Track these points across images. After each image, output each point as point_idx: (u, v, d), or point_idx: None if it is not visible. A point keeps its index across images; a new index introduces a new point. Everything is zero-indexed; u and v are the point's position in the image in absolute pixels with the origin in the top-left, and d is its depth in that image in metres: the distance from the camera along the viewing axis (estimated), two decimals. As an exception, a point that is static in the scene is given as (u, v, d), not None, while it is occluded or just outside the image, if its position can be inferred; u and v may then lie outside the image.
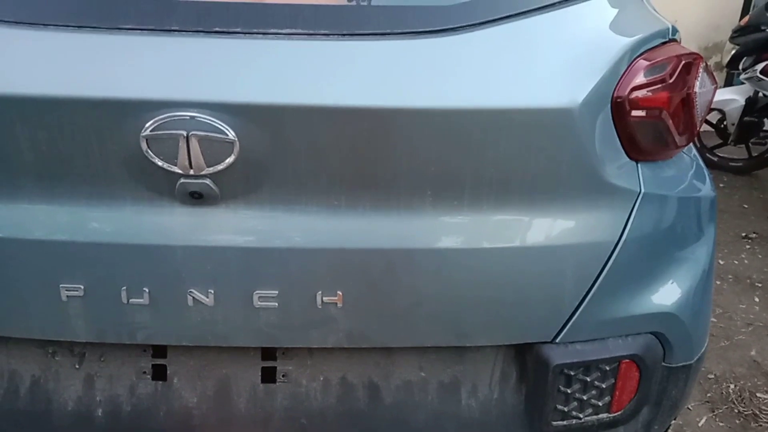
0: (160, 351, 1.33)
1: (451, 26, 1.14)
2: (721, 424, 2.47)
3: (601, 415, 1.37)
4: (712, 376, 2.71)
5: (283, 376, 1.34)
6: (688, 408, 2.53)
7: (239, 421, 1.33)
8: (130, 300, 1.21)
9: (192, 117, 1.08)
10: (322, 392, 1.34)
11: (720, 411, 2.53)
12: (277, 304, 1.22)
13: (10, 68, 1.12)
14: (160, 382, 1.34)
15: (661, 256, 1.35)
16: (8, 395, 1.35)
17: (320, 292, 1.22)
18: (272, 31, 1.12)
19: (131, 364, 1.34)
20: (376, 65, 1.13)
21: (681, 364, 1.40)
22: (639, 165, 1.28)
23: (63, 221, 1.19)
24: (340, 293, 1.22)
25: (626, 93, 1.20)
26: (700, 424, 2.47)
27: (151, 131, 1.08)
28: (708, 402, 2.57)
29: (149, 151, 1.10)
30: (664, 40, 1.30)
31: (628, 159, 1.26)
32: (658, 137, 1.26)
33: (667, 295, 1.35)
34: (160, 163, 1.11)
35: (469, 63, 1.14)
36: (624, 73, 1.21)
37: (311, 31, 1.13)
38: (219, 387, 1.34)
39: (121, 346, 1.33)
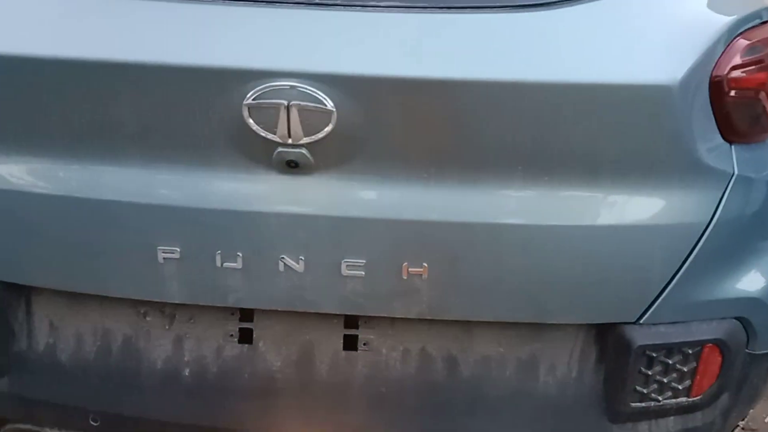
0: (247, 315, 1.38)
1: (551, 0, 1.14)
2: (788, 420, 2.42)
3: (680, 399, 1.36)
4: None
5: (364, 344, 1.37)
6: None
7: (320, 386, 1.37)
8: (224, 264, 1.25)
9: (293, 87, 1.11)
10: (401, 362, 1.37)
11: (787, 407, 2.47)
12: (363, 273, 1.25)
13: (118, 36, 1.16)
14: (246, 345, 1.38)
15: (750, 240, 1.33)
16: (101, 352, 1.42)
17: (406, 263, 1.24)
18: (372, 3, 1.14)
19: (219, 327, 1.39)
20: (474, 38, 1.13)
21: (765, 352, 1.38)
22: (733, 147, 1.26)
23: (163, 185, 1.24)
24: (426, 265, 1.24)
25: (725, 72, 1.18)
26: (766, 420, 2.42)
27: (253, 100, 1.11)
28: (775, 398, 2.51)
29: (250, 119, 1.13)
30: (762, 21, 1.27)
31: (722, 140, 1.24)
32: (754, 119, 1.24)
33: (753, 280, 1.33)
34: (260, 132, 1.14)
35: (567, 37, 1.14)
36: (723, 52, 1.18)
37: (410, 4, 1.14)
38: (302, 352, 1.37)
39: (210, 309, 1.37)
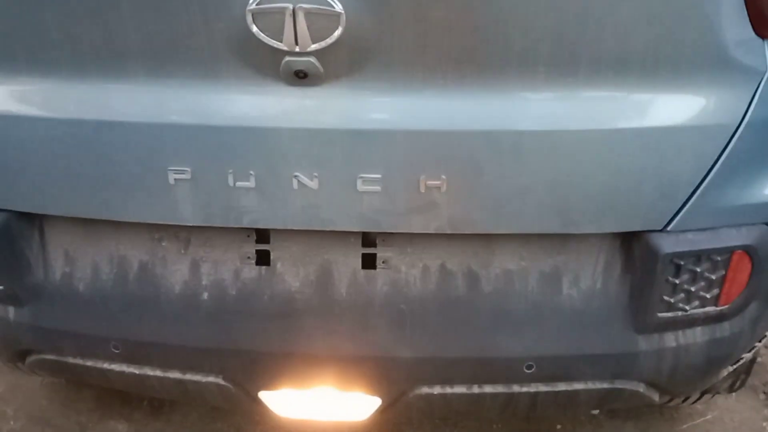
0: (263, 237, 1.35)
1: None
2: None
3: (708, 308, 1.33)
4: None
5: (383, 262, 1.34)
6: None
7: (340, 305, 1.35)
8: (237, 183, 1.22)
9: None
10: (421, 279, 1.35)
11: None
12: (380, 188, 1.21)
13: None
14: (264, 267, 1.36)
15: (783, 143, 1.27)
16: (118, 280, 1.41)
17: (423, 176, 1.20)
18: None
19: (236, 250, 1.37)
20: None
21: (795, 259, 1.34)
22: (766, 42, 1.18)
23: (169, 103, 1.20)
24: (444, 177, 1.20)
25: None
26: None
27: (257, 5, 1.06)
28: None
29: (254, 26, 1.08)
30: None
31: (754, 34, 1.16)
32: (790, 10, 1.16)
33: (785, 184, 1.28)
34: (265, 40, 1.09)
35: None
36: None
37: None
38: (320, 272, 1.35)
39: (226, 232, 1.35)
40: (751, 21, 1.15)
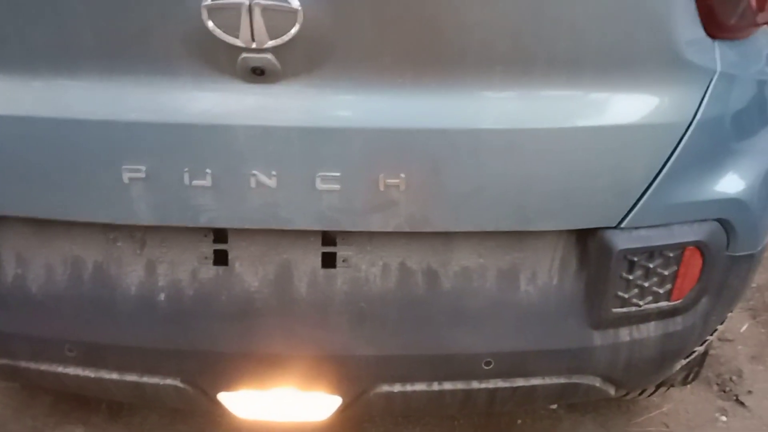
0: (221, 236, 1.34)
1: None
2: (762, 330, 2.47)
3: (661, 303, 1.36)
4: (755, 285, 2.68)
5: (343, 261, 1.34)
6: (729, 314, 2.53)
7: (300, 305, 1.34)
8: (193, 182, 1.21)
9: None
10: (381, 277, 1.35)
11: (762, 318, 2.52)
12: (339, 186, 1.21)
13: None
14: (222, 267, 1.35)
15: (733, 141, 1.31)
16: (72, 281, 1.37)
17: (382, 174, 1.20)
18: None
19: (193, 250, 1.35)
20: None
21: (744, 254, 1.37)
22: (716, 43, 1.22)
23: (124, 100, 1.18)
24: (403, 176, 1.20)
25: None
26: (741, 330, 2.47)
27: (212, 0, 1.04)
28: (750, 309, 2.56)
29: (210, 21, 1.06)
30: None
31: (705, 35, 1.20)
32: (738, 11, 1.20)
33: (735, 181, 1.31)
34: (221, 36, 1.07)
35: None
36: None
37: None
38: (280, 272, 1.34)
39: (182, 232, 1.33)
40: (702, 21, 1.18)
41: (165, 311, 1.35)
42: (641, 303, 1.34)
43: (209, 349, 1.35)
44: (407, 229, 1.28)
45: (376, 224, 1.27)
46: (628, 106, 1.20)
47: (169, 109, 1.17)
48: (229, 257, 1.35)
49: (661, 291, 1.34)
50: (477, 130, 1.18)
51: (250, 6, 1.04)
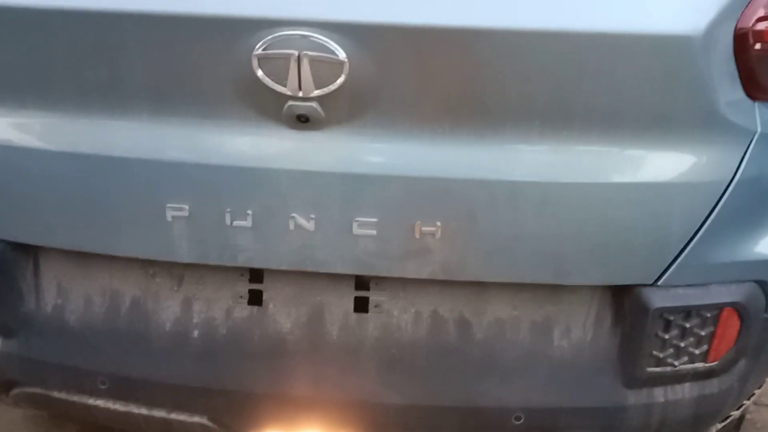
0: (257, 276, 1.36)
1: None
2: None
3: (696, 364, 1.33)
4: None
5: (375, 306, 1.35)
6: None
7: (331, 348, 1.35)
8: (234, 222, 1.23)
9: (304, 36, 1.08)
10: (413, 324, 1.35)
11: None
12: (375, 231, 1.22)
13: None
14: (256, 307, 1.36)
15: (772, 202, 1.29)
16: (109, 314, 1.40)
17: (419, 222, 1.21)
18: None
19: (228, 288, 1.37)
20: None
21: (784, 317, 1.35)
22: (756, 104, 1.22)
23: (172, 141, 1.22)
24: (439, 224, 1.21)
25: (750, 24, 1.14)
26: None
27: (263, 50, 1.09)
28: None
29: (260, 70, 1.10)
30: (788, -27, 1.23)
31: (745, 96, 1.20)
32: (780, 75, 1.20)
33: (774, 242, 1.30)
34: (269, 84, 1.11)
35: None
36: (748, 3, 1.15)
37: None
38: (312, 314, 1.35)
39: (219, 270, 1.35)
40: (742, 83, 1.19)
41: (197, 348, 1.37)
42: (676, 363, 1.32)
43: (239, 388, 1.35)
44: (441, 277, 1.28)
45: (410, 271, 1.28)
46: (668, 164, 1.21)
47: (215, 151, 1.21)
48: (264, 297, 1.36)
49: (697, 352, 1.32)
50: (514, 183, 1.19)
51: (299, 56, 1.08)
